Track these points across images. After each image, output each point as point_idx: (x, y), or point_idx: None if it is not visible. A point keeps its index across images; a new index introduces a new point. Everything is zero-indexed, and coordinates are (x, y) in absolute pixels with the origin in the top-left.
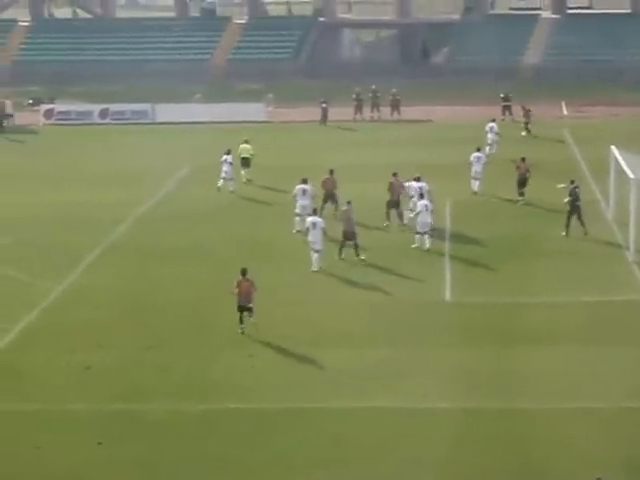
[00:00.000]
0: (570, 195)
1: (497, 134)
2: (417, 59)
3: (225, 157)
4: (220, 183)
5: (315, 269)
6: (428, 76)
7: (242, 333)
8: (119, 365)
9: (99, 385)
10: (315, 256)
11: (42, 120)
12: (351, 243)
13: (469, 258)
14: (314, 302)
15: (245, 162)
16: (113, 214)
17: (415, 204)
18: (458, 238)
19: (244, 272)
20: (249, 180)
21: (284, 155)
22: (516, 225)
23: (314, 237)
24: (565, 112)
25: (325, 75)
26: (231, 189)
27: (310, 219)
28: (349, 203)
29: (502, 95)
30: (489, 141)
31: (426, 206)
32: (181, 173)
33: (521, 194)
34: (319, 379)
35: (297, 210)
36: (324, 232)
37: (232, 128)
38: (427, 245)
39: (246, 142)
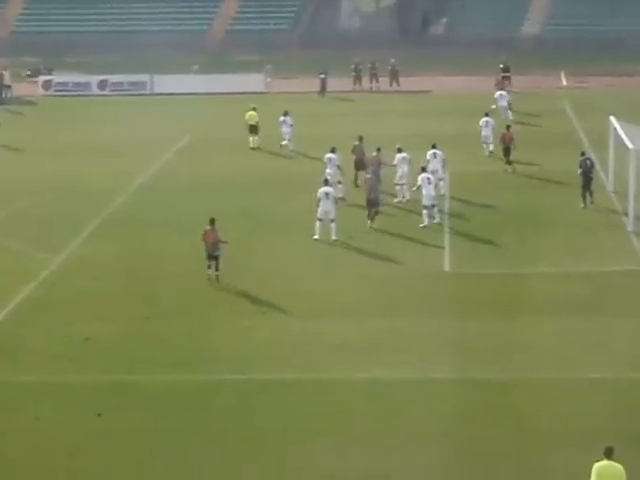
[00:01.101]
0: (580, 167)
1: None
2: (416, 29)
3: (283, 118)
4: (284, 142)
5: (335, 238)
6: (427, 46)
7: (208, 279)
8: (118, 336)
9: (98, 356)
10: (331, 226)
11: (40, 91)
12: (374, 210)
13: (469, 229)
14: (314, 273)
15: (253, 129)
16: (112, 185)
17: (401, 176)
18: (458, 209)
19: (212, 222)
20: (257, 147)
21: None
22: (516, 196)
23: (327, 207)
24: (565, 82)
25: (324, 46)
26: (291, 148)
27: (322, 189)
28: (374, 172)
29: (501, 65)
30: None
31: (428, 179)
32: (180, 144)
33: (508, 162)
34: (318, 350)
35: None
36: (336, 201)
37: (230, 99)
38: (436, 219)
39: (253, 109)
